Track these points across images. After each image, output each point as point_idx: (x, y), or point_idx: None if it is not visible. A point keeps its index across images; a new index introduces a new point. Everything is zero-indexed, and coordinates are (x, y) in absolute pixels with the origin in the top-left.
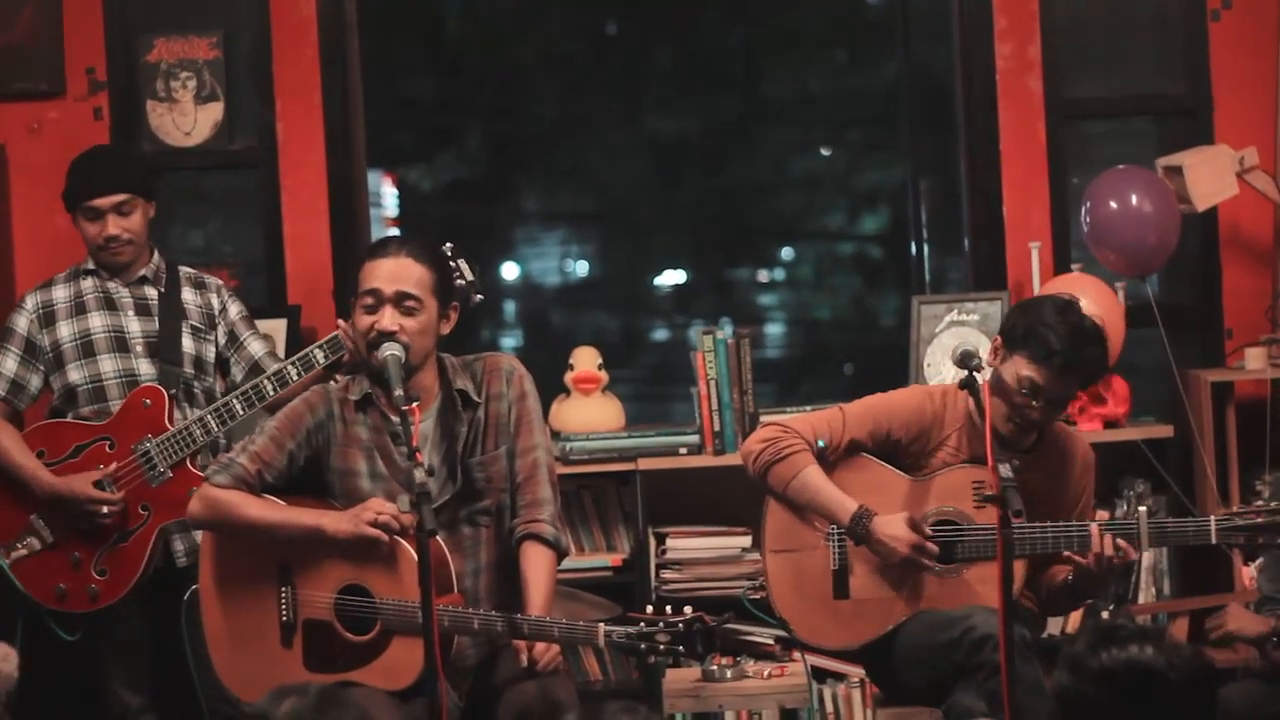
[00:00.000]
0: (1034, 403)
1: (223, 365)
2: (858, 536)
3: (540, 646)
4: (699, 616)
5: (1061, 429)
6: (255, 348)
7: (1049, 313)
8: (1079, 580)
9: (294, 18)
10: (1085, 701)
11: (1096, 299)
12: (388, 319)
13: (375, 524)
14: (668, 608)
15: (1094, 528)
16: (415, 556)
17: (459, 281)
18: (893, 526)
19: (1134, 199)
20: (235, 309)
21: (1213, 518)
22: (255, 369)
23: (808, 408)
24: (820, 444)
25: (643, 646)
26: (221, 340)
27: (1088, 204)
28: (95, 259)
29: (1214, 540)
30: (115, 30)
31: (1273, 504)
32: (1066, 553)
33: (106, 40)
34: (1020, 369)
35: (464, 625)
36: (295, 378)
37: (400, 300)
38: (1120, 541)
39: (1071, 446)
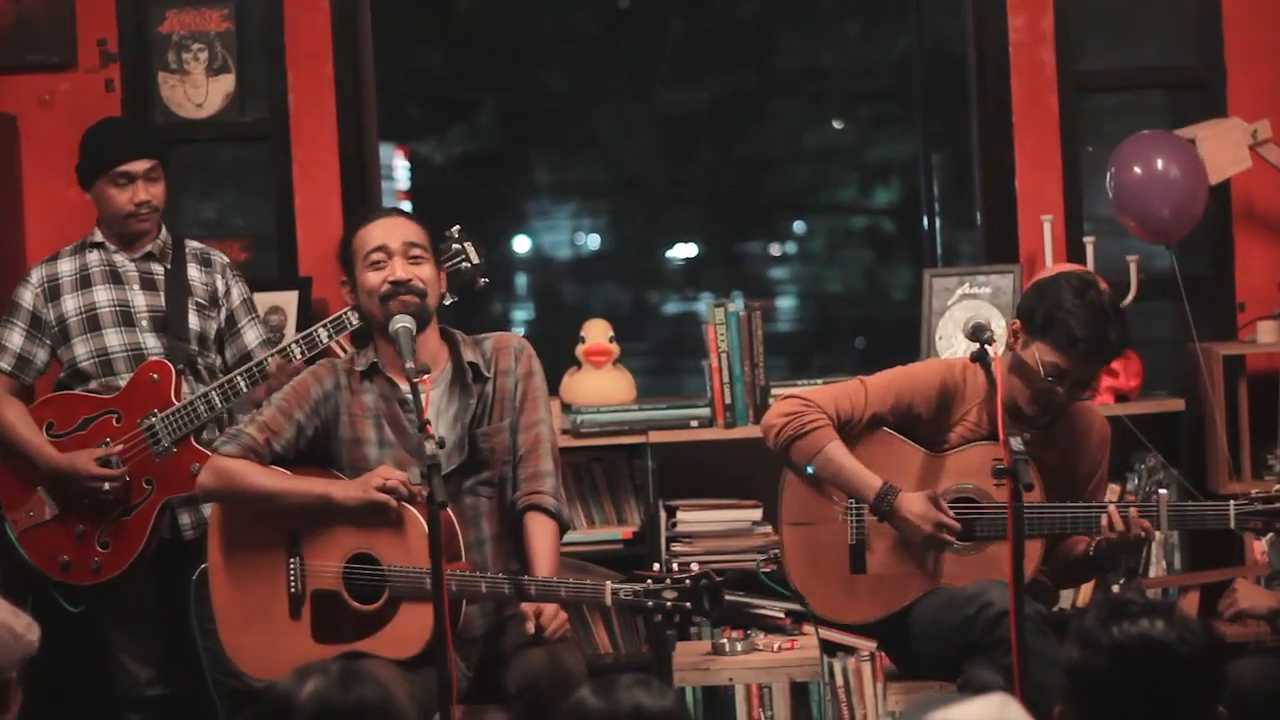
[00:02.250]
0: (1059, 388)
1: (219, 343)
2: (882, 514)
3: (548, 614)
4: (706, 573)
5: (1078, 405)
6: (249, 337)
7: (1067, 296)
8: (1100, 554)
9: None
10: (1096, 676)
11: None
12: (400, 268)
13: (384, 489)
14: (674, 564)
15: (1112, 509)
16: (423, 523)
17: (464, 265)
18: (917, 505)
19: (1159, 164)
20: (238, 293)
21: (1232, 503)
22: (246, 359)
23: (819, 381)
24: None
25: (650, 604)
26: (221, 322)
27: (1112, 169)
28: (119, 227)
29: (1232, 525)
30: (126, 2)
31: None
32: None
33: (118, 12)
34: (1044, 355)
35: (472, 589)
36: (299, 356)
37: (407, 250)
38: (1144, 522)
39: (1088, 420)
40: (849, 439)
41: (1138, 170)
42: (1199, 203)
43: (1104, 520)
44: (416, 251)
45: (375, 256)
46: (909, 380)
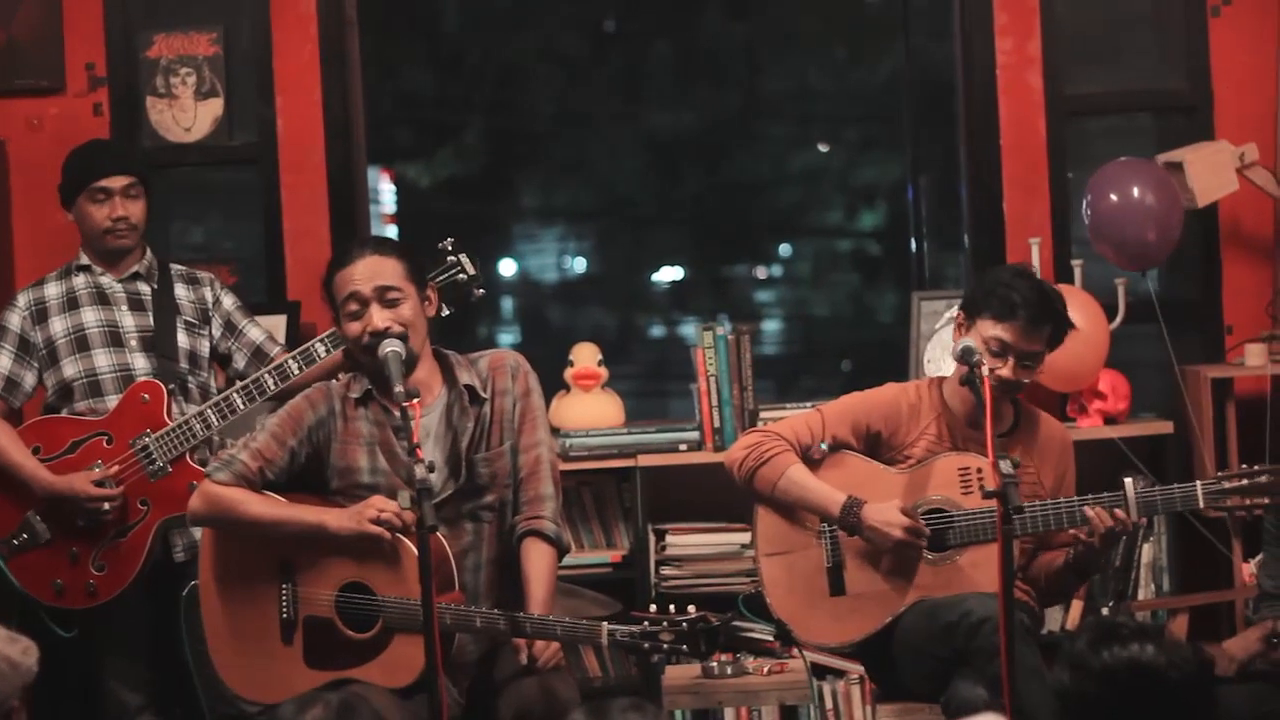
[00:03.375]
0: (1004, 361)
1: (221, 358)
2: (849, 526)
3: (540, 644)
4: (703, 615)
5: (1037, 413)
6: (255, 334)
7: (1006, 274)
8: (1080, 559)
9: (293, 13)
10: (1087, 700)
11: (1078, 312)
12: (377, 317)
13: (377, 521)
14: (671, 606)
15: (1087, 508)
16: (417, 553)
17: (460, 276)
18: (884, 513)
19: (1135, 192)
20: (229, 300)
21: (1199, 483)
22: (258, 353)
23: (807, 404)
24: (824, 445)
25: (646, 646)
26: (217, 333)
27: (1089, 197)
28: (97, 245)
29: (1201, 505)
30: (115, 26)
31: (1256, 467)
32: (1071, 531)
33: (106, 36)
34: (986, 331)
35: (466, 623)
36: (296, 372)
37: (382, 295)
38: (1118, 512)
39: (1048, 430)
40: (814, 465)
41: (1114, 197)
42: (1174, 229)
43: (1088, 512)
44: (392, 295)
45: (351, 306)
46: (864, 403)
